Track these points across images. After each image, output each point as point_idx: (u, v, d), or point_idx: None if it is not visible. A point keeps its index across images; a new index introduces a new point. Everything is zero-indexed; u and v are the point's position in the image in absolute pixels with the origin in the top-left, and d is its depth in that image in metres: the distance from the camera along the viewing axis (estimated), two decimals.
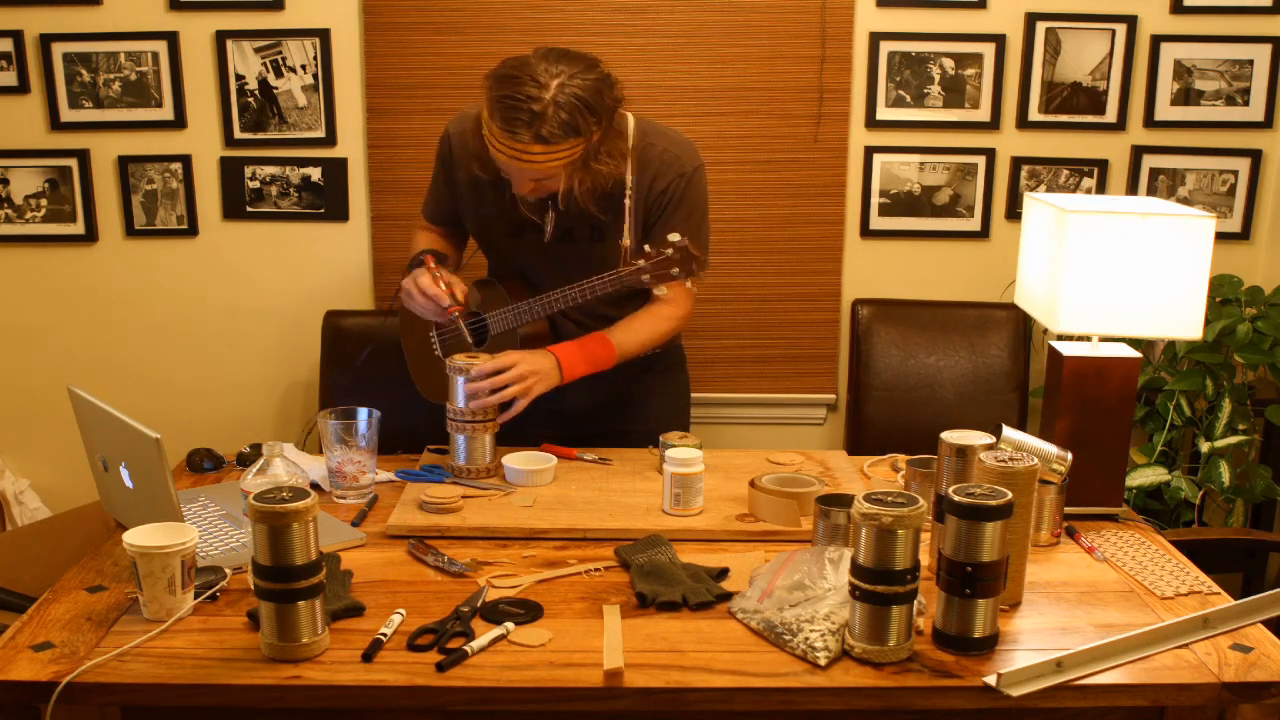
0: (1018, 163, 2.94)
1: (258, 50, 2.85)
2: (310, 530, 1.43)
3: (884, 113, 2.91)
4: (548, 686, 1.42)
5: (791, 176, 2.94)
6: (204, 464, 2.16)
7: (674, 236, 2.00)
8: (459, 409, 2.06)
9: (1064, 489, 1.83)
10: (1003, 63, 2.89)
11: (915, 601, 1.47)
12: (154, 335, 3.02)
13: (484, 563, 1.75)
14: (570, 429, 2.30)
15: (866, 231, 2.98)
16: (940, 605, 1.50)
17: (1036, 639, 1.54)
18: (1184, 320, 1.92)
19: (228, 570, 1.67)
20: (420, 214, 2.39)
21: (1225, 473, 2.74)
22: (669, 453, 1.90)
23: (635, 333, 2.19)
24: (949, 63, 2.89)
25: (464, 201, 2.25)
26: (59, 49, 2.83)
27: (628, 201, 2.12)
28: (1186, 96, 2.92)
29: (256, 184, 2.93)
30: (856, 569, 1.45)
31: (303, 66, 2.86)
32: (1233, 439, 2.76)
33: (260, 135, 2.90)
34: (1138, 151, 2.94)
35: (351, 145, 2.92)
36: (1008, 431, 1.78)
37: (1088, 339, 1.97)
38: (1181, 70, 2.90)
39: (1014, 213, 2.97)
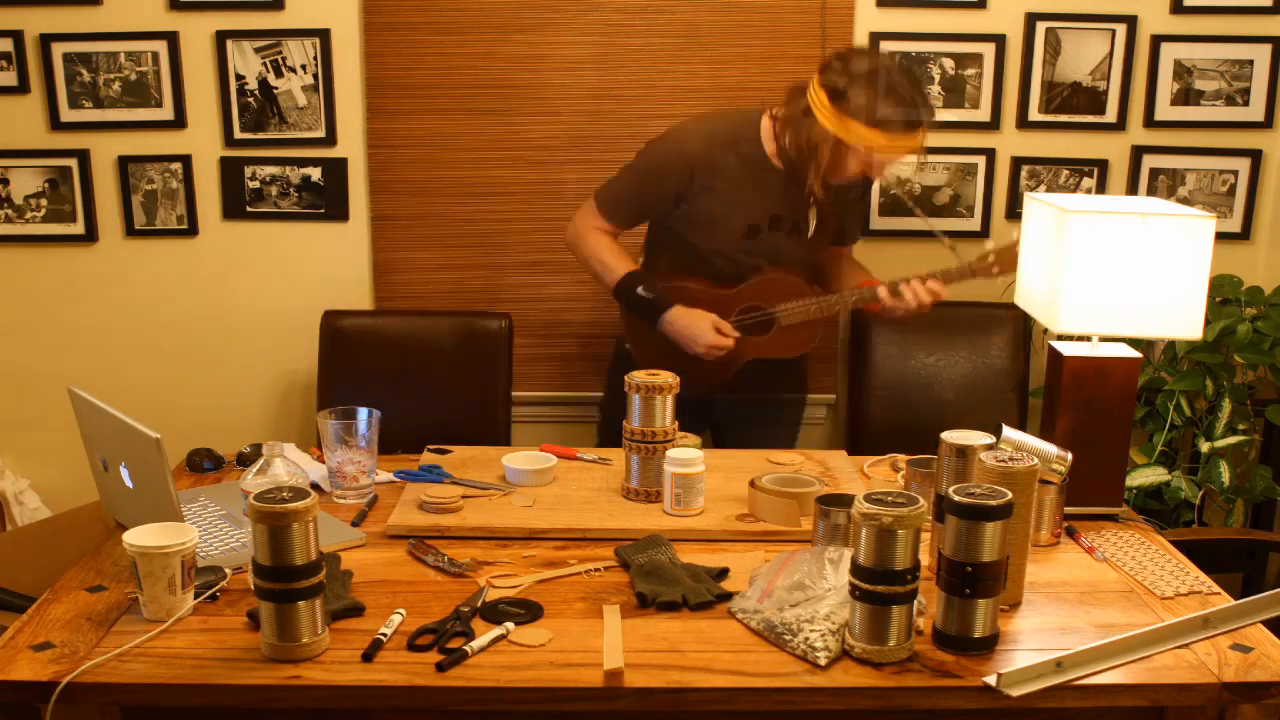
0: (1018, 163, 2.94)
1: (258, 50, 2.85)
2: (310, 530, 1.44)
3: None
4: (548, 686, 1.42)
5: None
6: (204, 464, 2.16)
7: (1013, 240, 2.31)
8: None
9: (1064, 489, 1.83)
10: (1003, 63, 2.88)
11: (915, 601, 1.47)
12: (154, 335, 3.02)
13: (484, 563, 1.75)
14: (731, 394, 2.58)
15: (867, 232, 2.98)
16: (940, 605, 1.50)
17: (1036, 639, 1.54)
18: (1184, 320, 1.92)
19: (228, 570, 1.67)
20: (601, 215, 2.49)
21: (1225, 473, 2.74)
22: (669, 452, 1.90)
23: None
24: (949, 63, 2.89)
25: (696, 212, 2.42)
26: (59, 49, 2.83)
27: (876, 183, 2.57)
28: (1186, 96, 2.92)
29: (256, 184, 2.93)
30: (856, 569, 1.46)
31: (303, 66, 2.86)
32: (1233, 439, 2.76)
33: (260, 135, 2.90)
34: (1138, 151, 2.94)
35: (351, 145, 2.92)
36: (1008, 431, 1.78)
37: (1088, 339, 1.97)
38: (1181, 70, 2.90)
39: (1014, 213, 2.97)
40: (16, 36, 2.82)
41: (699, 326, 2.41)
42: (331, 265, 2.98)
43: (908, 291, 2.37)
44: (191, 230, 2.96)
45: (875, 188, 2.78)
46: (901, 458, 2.17)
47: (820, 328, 2.51)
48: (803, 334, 2.48)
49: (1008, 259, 2.38)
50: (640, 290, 2.44)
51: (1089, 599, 1.66)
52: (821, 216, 2.47)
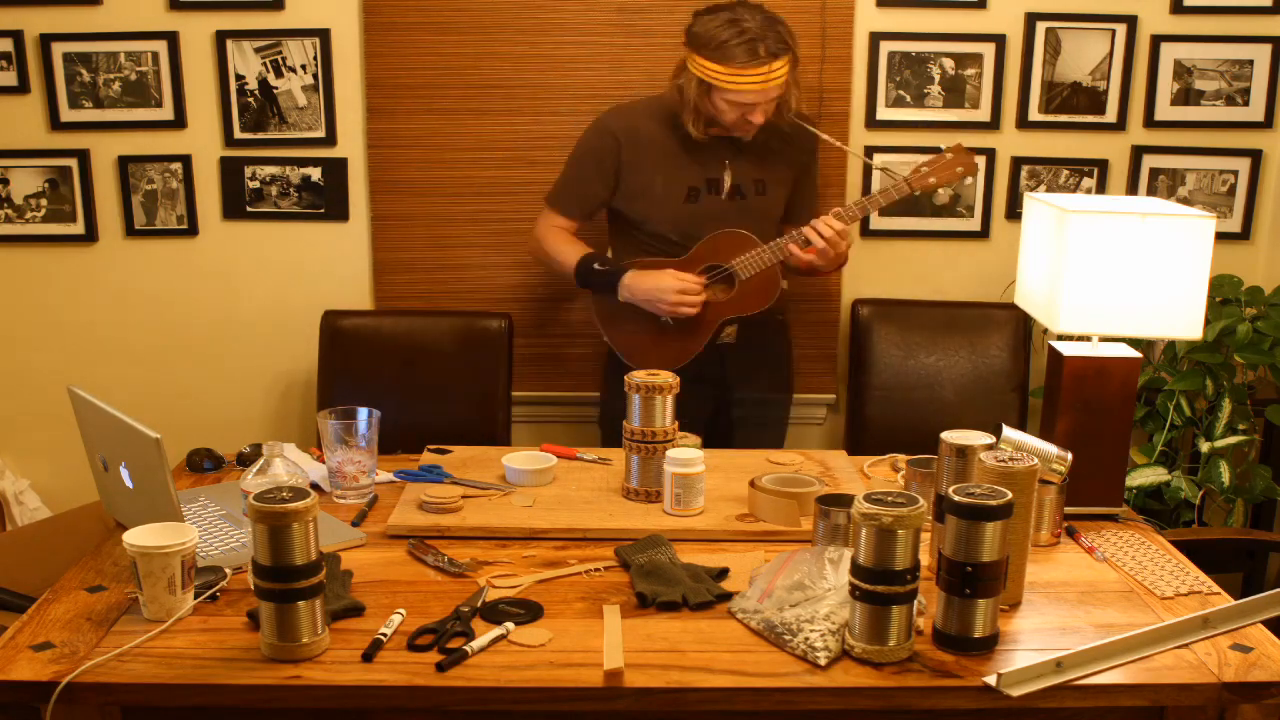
0: (1018, 163, 2.94)
1: (258, 50, 2.85)
2: (310, 530, 1.44)
3: (884, 113, 2.91)
4: (548, 686, 1.42)
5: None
6: (204, 464, 2.16)
7: (945, 145, 2.46)
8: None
9: (1064, 489, 1.83)
10: (1003, 63, 2.88)
11: (915, 601, 1.47)
12: (153, 335, 3.02)
13: (484, 563, 1.75)
14: (724, 394, 2.63)
15: (866, 231, 2.98)
16: (940, 605, 1.50)
17: (1036, 639, 1.54)
18: (1184, 320, 1.92)
19: (228, 570, 1.67)
20: (554, 212, 2.60)
21: (1225, 473, 2.74)
22: (670, 452, 1.90)
23: None
24: (949, 63, 2.89)
25: (633, 184, 2.51)
26: (59, 49, 2.83)
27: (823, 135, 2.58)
28: (1186, 96, 2.92)
29: (256, 184, 2.93)
30: (856, 569, 1.46)
31: (303, 66, 2.85)
32: (1233, 439, 2.76)
33: (260, 135, 2.90)
34: (1138, 151, 2.94)
35: (351, 145, 2.92)
36: (1008, 431, 1.78)
37: (1088, 339, 1.97)
38: (1181, 70, 2.90)
39: (1014, 213, 2.97)
40: (16, 36, 2.82)
41: (659, 279, 2.44)
42: (331, 265, 2.98)
43: (810, 233, 2.40)
44: (191, 230, 2.96)
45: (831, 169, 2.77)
46: (901, 458, 2.17)
47: (779, 279, 2.52)
48: (765, 285, 2.49)
49: (942, 167, 2.46)
50: (596, 265, 2.51)
51: (1089, 599, 1.66)
52: (772, 184, 2.53)
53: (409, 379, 2.77)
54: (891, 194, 2.49)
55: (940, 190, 2.51)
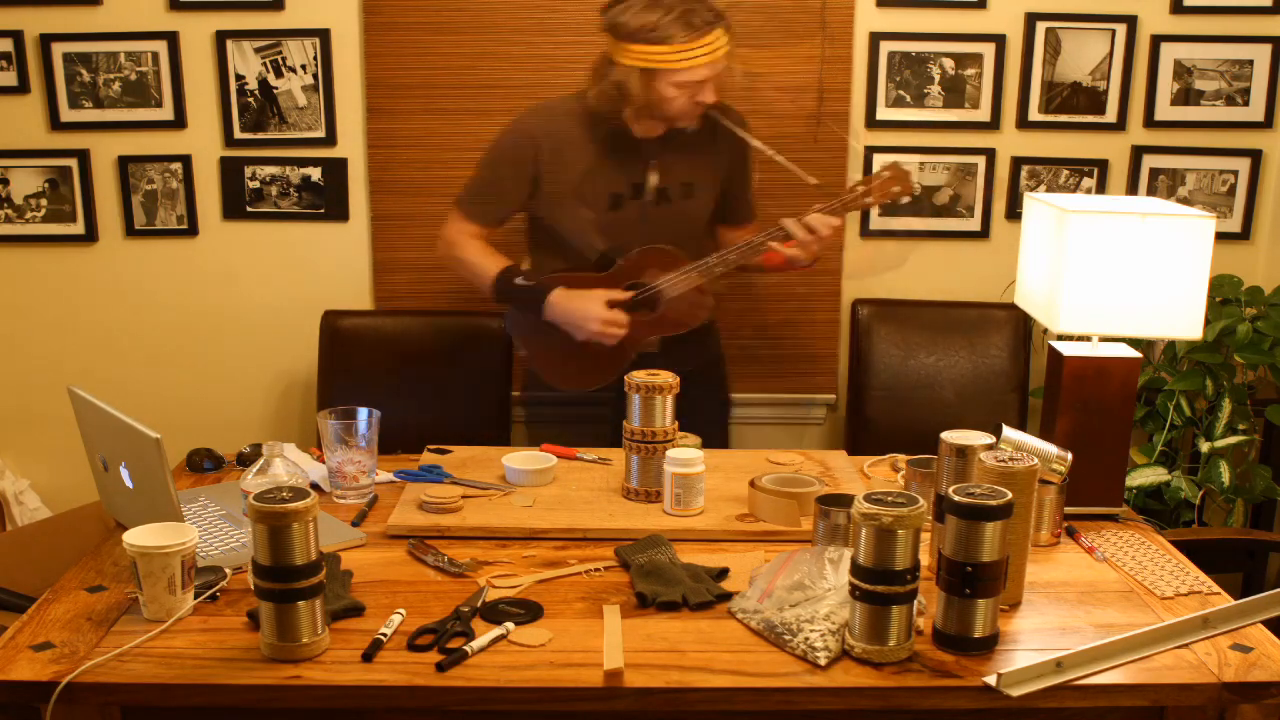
0: (1018, 163, 2.94)
1: (258, 50, 2.85)
2: (310, 530, 1.44)
3: (884, 113, 2.91)
4: (548, 686, 1.42)
5: (791, 176, 2.93)
6: (204, 464, 2.16)
7: (883, 165, 2.35)
8: (635, 428, 1.98)
9: (1064, 489, 1.83)
10: (1003, 63, 2.89)
11: (915, 601, 1.47)
12: (154, 335, 3.02)
13: (484, 563, 1.75)
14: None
15: (866, 231, 2.98)
16: (940, 605, 1.50)
17: (1036, 639, 1.54)
18: (1184, 320, 1.92)
19: (228, 570, 1.67)
20: (465, 218, 2.44)
21: (1225, 473, 2.74)
22: (669, 452, 1.90)
23: None
24: (949, 63, 2.89)
25: (552, 190, 2.36)
26: (59, 49, 2.83)
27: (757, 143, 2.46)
28: (1186, 96, 2.92)
29: (256, 184, 2.93)
30: (856, 569, 1.46)
31: (303, 66, 2.86)
32: (1233, 439, 2.76)
33: (260, 135, 2.90)
34: (1138, 151, 2.94)
35: (351, 145, 2.92)
36: (1008, 431, 1.78)
37: (1088, 339, 1.97)
38: (1181, 70, 2.90)
39: (1014, 213, 2.97)
40: (16, 36, 2.82)
41: (586, 305, 2.32)
42: (331, 265, 2.98)
43: (797, 228, 2.28)
44: (191, 230, 2.96)
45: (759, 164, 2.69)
46: (901, 458, 2.17)
47: (710, 298, 2.43)
48: (691, 304, 2.40)
49: (879, 186, 2.34)
50: (519, 280, 2.37)
51: (1089, 599, 1.66)
52: (700, 187, 2.42)
53: (409, 379, 2.78)
54: (839, 209, 2.35)
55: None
